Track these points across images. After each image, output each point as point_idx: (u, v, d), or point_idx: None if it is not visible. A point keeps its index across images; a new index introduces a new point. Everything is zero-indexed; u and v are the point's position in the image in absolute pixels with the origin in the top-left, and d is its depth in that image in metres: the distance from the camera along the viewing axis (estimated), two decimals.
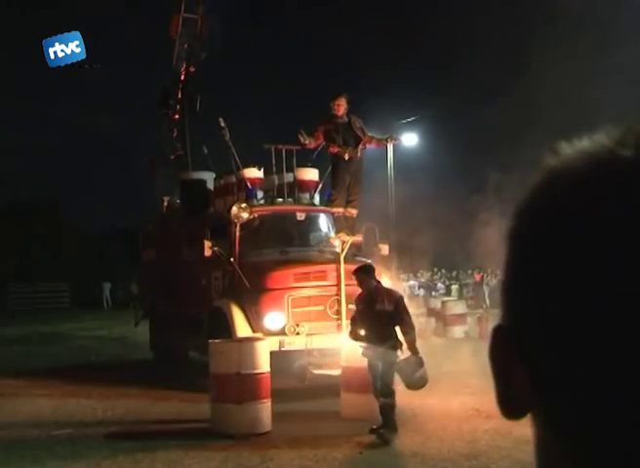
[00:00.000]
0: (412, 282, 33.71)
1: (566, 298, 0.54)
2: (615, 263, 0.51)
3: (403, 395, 9.60)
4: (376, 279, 8.60)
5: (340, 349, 9.92)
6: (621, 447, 0.52)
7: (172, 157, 17.01)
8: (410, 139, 31.91)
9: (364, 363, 9.24)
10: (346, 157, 12.15)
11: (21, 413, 9.86)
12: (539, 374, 0.56)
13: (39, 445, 8.20)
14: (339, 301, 10.99)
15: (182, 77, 16.90)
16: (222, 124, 12.32)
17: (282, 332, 10.81)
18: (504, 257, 0.61)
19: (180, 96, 17.00)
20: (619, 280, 0.51)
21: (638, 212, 0.52)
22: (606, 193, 0.53)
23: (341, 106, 12.34)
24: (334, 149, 12.25)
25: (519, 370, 0.58)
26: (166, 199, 15.72)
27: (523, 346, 0.57)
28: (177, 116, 17.11)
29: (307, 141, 12.14)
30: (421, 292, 32.12)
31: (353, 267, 11.31)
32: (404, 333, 8.07)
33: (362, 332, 8.26)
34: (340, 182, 12.34)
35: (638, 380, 0.51)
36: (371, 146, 12.95)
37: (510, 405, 0.60)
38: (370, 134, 12.64)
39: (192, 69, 16.85)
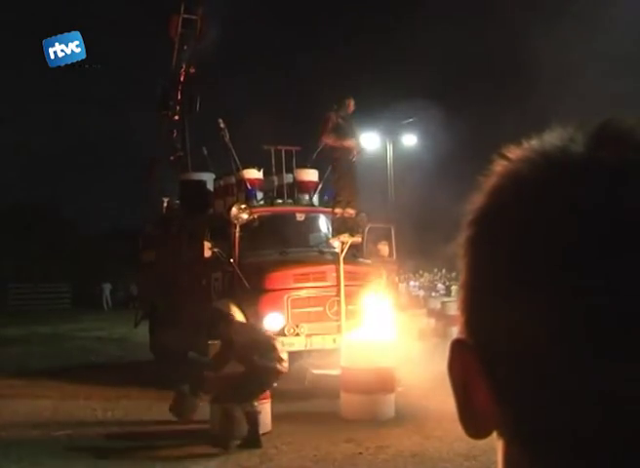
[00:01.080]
0: (412, 282, 33.71)
1: (528, 306, 0.52)
2: (582, 264, 0.50)
3: (402, 396, 9.62)
4: (226, 318, 8.43)
5: (339, 350, 9.94)
6: (596, 463, 0.50)
7: (171, 158, 17.01)
8: (409, 140, 31.90)
9: (364, 364, 9.27)
10: (355, 153, 12.05)
11: (21, 414, 9.86)
12: (501, 390, 0.54)
13: (39, 445, 8.20)
14: (338, 302, 11.01)
15: (182, 78, 16.90)
16: (222, 125, 12.35)
17: (281, 333, 10.82)
18: (462, 266, 0.59)
19: (179, 96, 17.00)
20: (590, 285, 0.50)
21: (595, 208, 0.51)
22: (560, 192, 0.52)
23: (352, 108, 12.30)
24: (346, 144, 12.05)
25: (481, 386, 0.55)
26: (165, 200, 15.73)
27: (484, 360, 0.55)
28: (176, 117, 17.11)
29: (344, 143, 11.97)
30: (421, 292, 32.12)
31: (353, 268, 11.34)
32: None
33: None
34: (342, 182, 12.32)
35: (608, 390, 0.49)
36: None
37: (474, 423, 0.57)
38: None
39: (192, 70, 16.86)
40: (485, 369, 0.55)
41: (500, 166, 0.58)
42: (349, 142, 11.94)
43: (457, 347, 0.57)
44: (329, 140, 11.98)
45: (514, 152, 0.58)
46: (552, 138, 0.57)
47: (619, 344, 0.49)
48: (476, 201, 0.58)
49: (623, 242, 0.50)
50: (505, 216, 0.55)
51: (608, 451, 0.50)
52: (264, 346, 8.16)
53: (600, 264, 0.50)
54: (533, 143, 0.58)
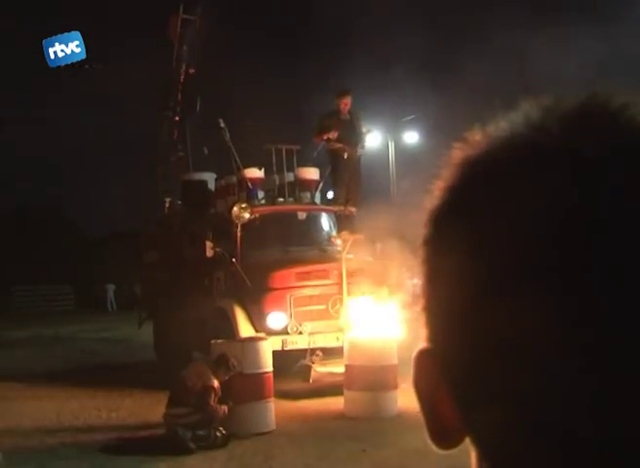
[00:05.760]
0: (416, 280, 33.71)
1: (490, 312, 0.48)
2: (554, 267, 0.46)
3: (405, 393, 9.63)
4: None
5: (342, 348, 9.95)
6: None
7: (173, 158, 17.03)
8: (411, 137, 31.85)
9: (367, 361, 9.28)
10: (345, 155, 12.19)
11: (26, 415, 9.88)
12: (463, 402, 0.51)
13: (43, 447, 8.23)
14: (341, 300, 11.01)
15: (182, 78, 16.91)
16: (222, 124, 12.35)
17: (284, 332, 10.83)
18: (421, 268, 0.54)
19: (179, 97, 17.01)
20: (554, 293, 0.46)
21: (563, 208, 0.47)
22: (529, 190, 0.48)
23: (348, 105, 12.44)
24: (333, 146, 12.28)
25: (446, 397, 0.52)
26: (167, 200, 15.75)
27: (448, 369, 0.52)
28: (177, 117, 17.13)
29: (330, 135, 12.24)
30: None
31: (355, 265, 11.32)
32: None
33: None
34: (339, 181, 12.38)
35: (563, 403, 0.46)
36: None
37: (443, 436, 0.54)
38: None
39: (192, 70, 16.87)
40: (447, 380, 0.52)
41: (460, 154, 0.53)
42: (336, 145, 12.15)
43: (422, 358, 0.54)
44: (317, 140, 12.29)
45: (476, 139, 0.53)
46: (520, 125, 0.51)
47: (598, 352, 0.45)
48: (434, 196, 0.54)
49: (600, 245, 0.46)
50: (468, 215, 0.50)
51: None
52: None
53: (575, 270, 0.46)
54: (499, 129, 0.52)
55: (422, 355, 0.54)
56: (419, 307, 0.55)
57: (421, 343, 0.55)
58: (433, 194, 0.54)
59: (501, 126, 0.52)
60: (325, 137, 12.31)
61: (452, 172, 0.53)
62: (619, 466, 0.46)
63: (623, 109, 0.49)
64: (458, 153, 0.53)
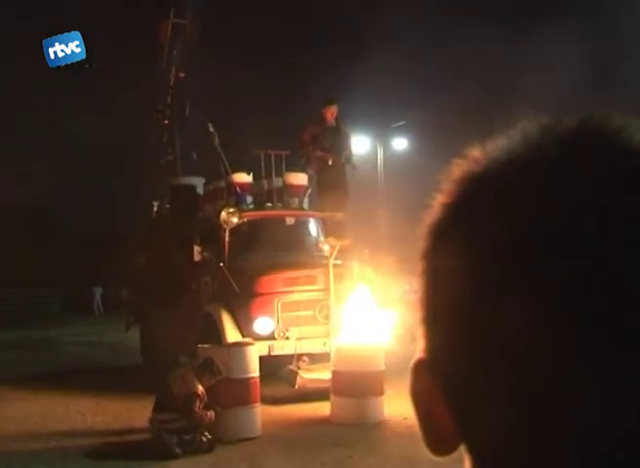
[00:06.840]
0: (404, 285, 33.73)
1: (488, 318, 0.49)
2: (550, 282, 0.47)
3: (392, 399, 9.63)
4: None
5: (329, 353, 9.95)
6: None
7: (162, 162, 17.00)
8: (400, 144, 31.92)
9: (354, 367, 9.28)
10: (330, 162, 12.28)
11: (10, 419, 9.82)
12: (460, 409, 0.52)
13: (27, 451, 8.17)
14: (328, 306, 11.01)
15: (172, 82, 16.89)
16: (211, 129, 12.36)
17: (271, 337, 10.82)
18: (420, 280, 0.55)
19: (169, 100, 17.00)
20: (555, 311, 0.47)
21: (559, 232, 0.48)
22: (524, 207, 0.49)
23: (334, 114, 12.56)
24: (317, 154, 12.40)
25: (443, 406, 0.53)
26: (156, 204, 15.73)
27: (445, 379, 0.53)
28: (166, 121, 17.11)
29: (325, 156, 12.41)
30: (415, 295, 32.13)
31: (340, 271, 11.34)
32: None
33: None
34: (324, 187, 12.45)
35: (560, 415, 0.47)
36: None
37: (438, 444, 0.56)
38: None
39: (181, 74, 16.85)
40: (446, 387, 0.53)
41: (460, 170, 0.54)
42: (320, 155, 12.26)
43: (419, 368, 0.55)
44: (304, 156, 12.39)
45: (476, 155, 0.54)
46: (519, 145, 0.52)
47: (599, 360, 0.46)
48: (434, 210, 0.55)
49: (594, 259, 0.47)
50: (468, 229, 0.51)
51: None
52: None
53: (572, 281, 0.47)
54: (497, 145, 0.54)
55: (420, 365, 0.55)
56: (417, 319, 0.56)
57: (419, 354, 0.56)
58: (432, 208, 0.55)
59: (500, 144, 0.54)
60: (319, 154, 12.41)
61: (452, 187, 0.54)
62: (629, 466, 0.47)
63: (619, 132, 0.50)
64: (458, 169, 0.54)
